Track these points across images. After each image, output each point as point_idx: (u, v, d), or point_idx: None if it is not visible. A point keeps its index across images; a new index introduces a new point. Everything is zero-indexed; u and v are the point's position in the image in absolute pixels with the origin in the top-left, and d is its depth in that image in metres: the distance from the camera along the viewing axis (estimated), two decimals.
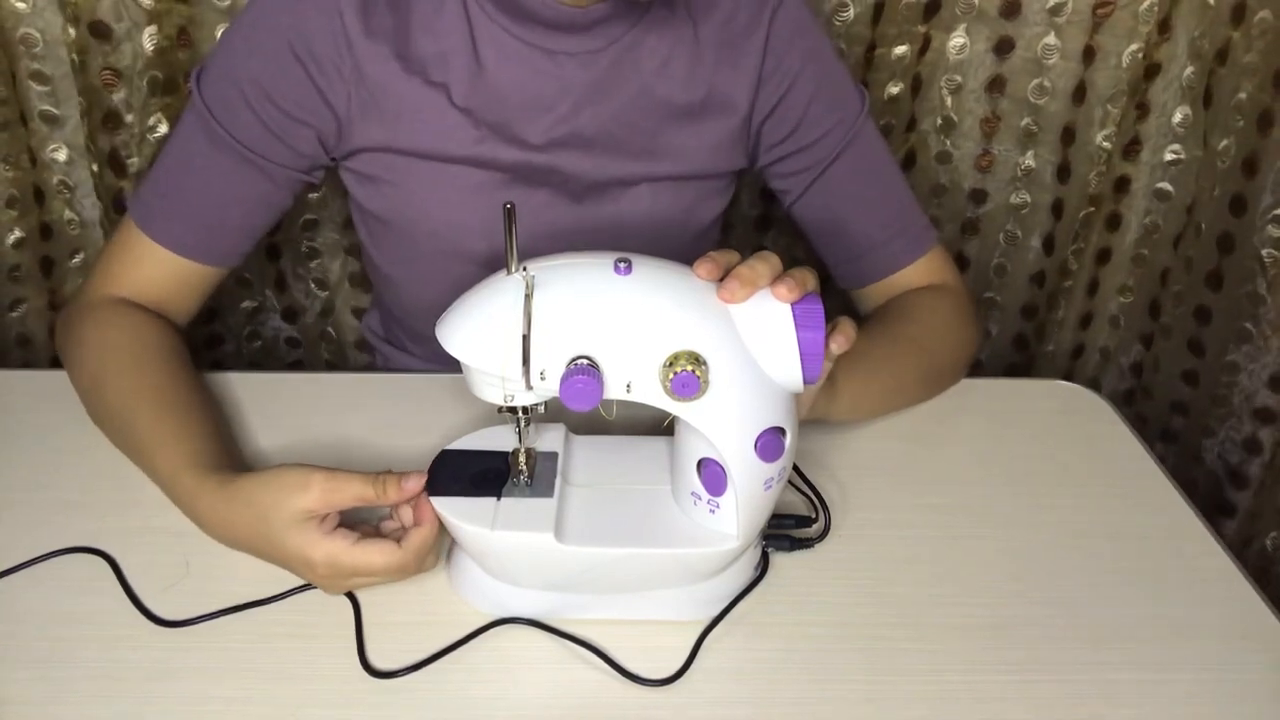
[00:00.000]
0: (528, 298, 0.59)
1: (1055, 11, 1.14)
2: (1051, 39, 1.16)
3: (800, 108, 0.90)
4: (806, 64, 0.89)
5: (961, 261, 1.33)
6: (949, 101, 1.21)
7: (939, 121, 1.23)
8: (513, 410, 0.65)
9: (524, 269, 0.60)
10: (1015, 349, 1.39)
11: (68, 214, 1.18)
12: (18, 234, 1.15)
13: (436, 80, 0.82)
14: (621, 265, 0.60)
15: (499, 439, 0.71)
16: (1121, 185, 1.26)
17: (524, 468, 0.68)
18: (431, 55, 0.82)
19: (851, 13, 1.13)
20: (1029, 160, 1.24)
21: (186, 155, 0.84)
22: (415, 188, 0.86)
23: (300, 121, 0.82)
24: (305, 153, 0.84)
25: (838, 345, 0.67)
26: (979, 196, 1.28)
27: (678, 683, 0.64)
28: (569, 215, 0.87)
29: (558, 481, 0.68)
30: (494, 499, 0.66)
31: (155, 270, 0.85)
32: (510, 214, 0.58)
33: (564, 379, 0.59)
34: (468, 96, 0.83)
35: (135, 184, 1.15)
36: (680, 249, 0.89)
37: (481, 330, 0.61)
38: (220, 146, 0.82)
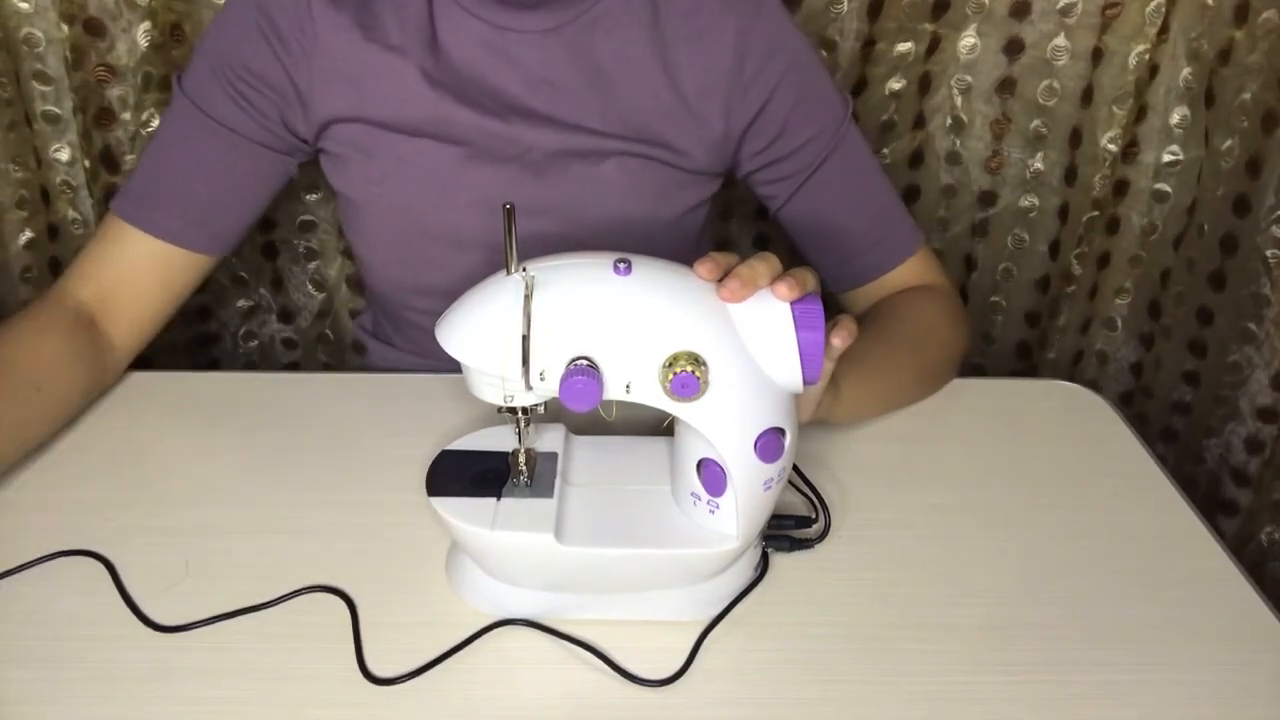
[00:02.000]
0: (527, 298, 0.59)
1: (1065, 12, 1.14)
2: (1061, 40, 1.16)
3: (782, 116, 0.90)
4: (787, 72, 0.89)
5: (969, 264, 1.33)
6: (959, 101, 1.21)
7: (948, 121, 1.23)
8: (512, 410, 0.65)
9: (523, 269, 0.60)
10: (1018, 356, 1.38)
11: (71, 214, 1.18)
12: (28, 234, 1.16)
13: (395, 44, 0.85)
14: (621, 266, 0.60)
15: (499, 439, 0.71)
16: (1120, 188, 1.26)
17: (524, 468, 0.68)
18: (392, 23, 0.85)
19: (845, 6, 1.13)
20: (1038, 163, 1.24)
21: (166, 144, 0.87)
22: (380, 163, 0.87)
23: (267, 96, 0.85)
24: (275, 129, 0.87)
25: (840, 340, 0.67)
26: (988, 199, 1.28)
27: (678, 684, 0.64)
28: (537, 192, 0.88)
29: (557, 482, 0.68)
30: (494, 499, 0.66)
31: (136, 262, 0.86)
32: (510, 214, 0.58)
33: (563, 379, 0.59)
34: (423, 61, 0.85)
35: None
36: (658, 237, 0.90)
37: (481, 331, 0.61)
38: (198, 127, 0.85)
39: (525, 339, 0.59)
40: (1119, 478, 0.83)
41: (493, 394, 0.63)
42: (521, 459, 0.68)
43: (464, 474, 0.68)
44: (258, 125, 0.86)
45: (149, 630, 0.66)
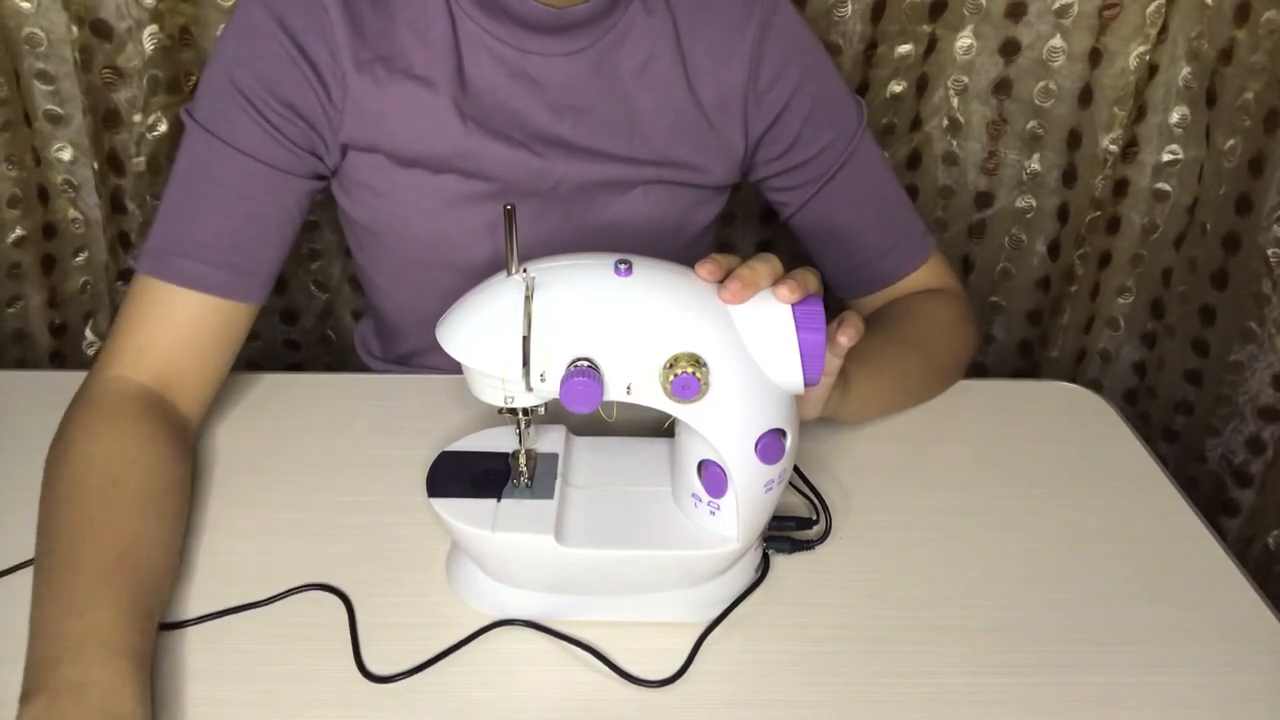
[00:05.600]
0: (528, 299, 0.59)
1: (1061, 13, 1.14)
2: (1057, 41, 1.15)
3: (796, 125, 0.88)
4: (803, 81, 0.88)
5: (967, 265, 1.33)
6: (955, 102, 1.21)
7: (945, 122, 1.23)
8: (513, 411, 0.65)
9: (524, 270, 0.60)
10: (1020, 355, 1.39)
11: (72, 213, 1.18)
12: (19, 232, 1.16)
13: (421, 74, 0.81)
14: (622, 267, 0.60)
15: (500, 440, 0.71)
16: (1120, 188, 1.26)
17: (524, 469, 0.68)
18: (417, 53, 0.81)
19: (849, 9, 1.12)
20: (1034, 164, 1.24)
21: (190, 189, 0.79)
22: (403, 197, 0.84)
23: (298, 125, 0.80)
24: (305, 159, 0.81)
25: (846, 338, 0.67)
26: (984, 200, 1.28)
27: (678, 685, 0.64)
28: (562, 223, 0.86)
29: (558, 483, 0.68)
30: (494, 500, 0.66)
31: (174, 323, 0.77)
32: (510, 215, 0.58)
33: (564, 381, 0.59)
34: (453, 93, 0.82)
35: (135, 184, 1.16)
36: (675, 254, 0.90)
37: (481, 332, 0.61)
38: (226, 163, 0.78)
39: (526, 340, 0.59)
40: (1120, 479, 0.83)
41: (493, 395, 0.63)
42: (522, 460, 0.68)
43: (464, 475, 0.68)
44: (290, 155, 0.80)
45: None
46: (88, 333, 1.27)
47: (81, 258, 1.21)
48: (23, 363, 1.25)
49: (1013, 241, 1.30)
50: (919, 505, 0.79)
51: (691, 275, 0.62)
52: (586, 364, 0.59)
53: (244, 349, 1.15)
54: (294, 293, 1.29)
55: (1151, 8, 1.12)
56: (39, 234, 1.17)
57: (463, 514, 0.65)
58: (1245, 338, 1.16)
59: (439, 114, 0.82)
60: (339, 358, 1.34)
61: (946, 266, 0.96)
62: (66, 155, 1.14)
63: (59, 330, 1.26)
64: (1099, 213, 1.24)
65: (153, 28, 1.05)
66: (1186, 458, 1.27)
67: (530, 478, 0.68)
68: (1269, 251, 1.12)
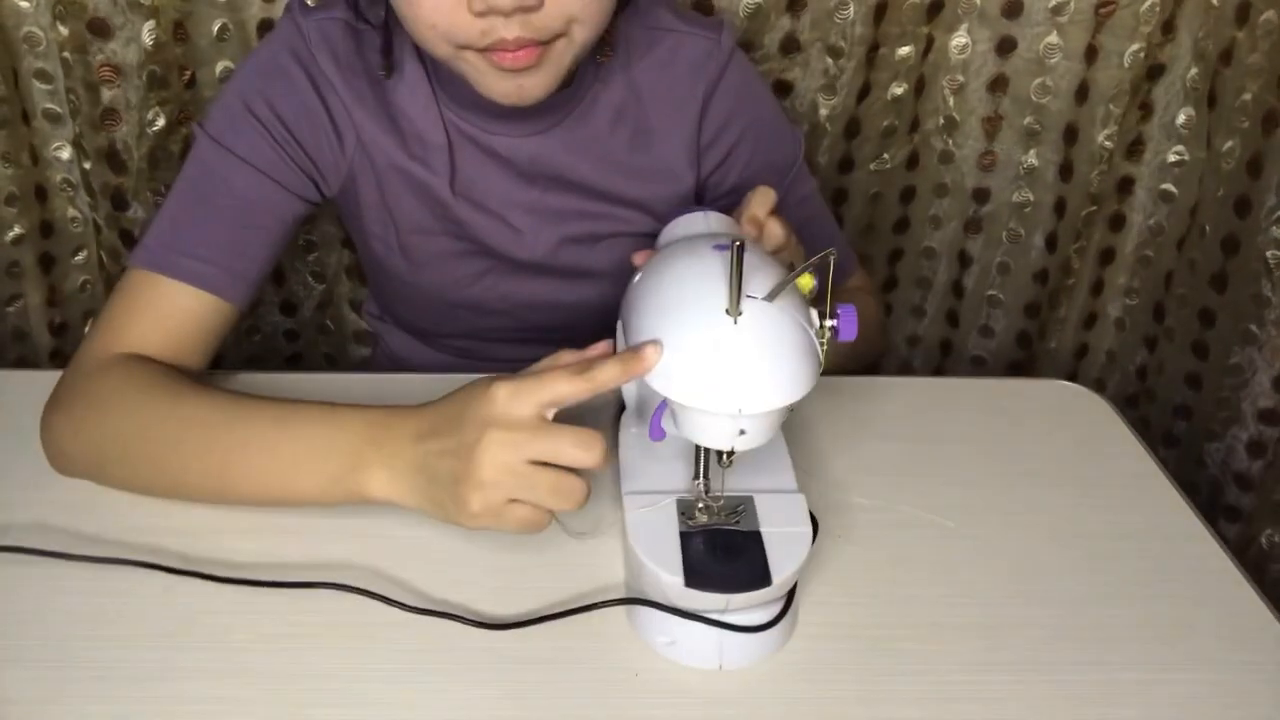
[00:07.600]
0: (766, 319, 0.58)
1: (1057, 11, 1.14)
2: (1054, 38, 1.16)
3: (738, 171, 0.93)
4: (745, 132, 0.92)
5: (965, 259, 1.34)
6: (951, 101, 1.21)
7: (941, 121, 1.23)
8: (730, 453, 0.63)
9: (743, 300, 0.58)
10: (1018, 346, 1.39)
11: (70, 211, 1.18)
12: (17, 230, 1.16)
13: (418, 154, 0.87)
14: (720, 246, 0.62)
15: (662, 515, 0.67)
16: (1125, 186, 1.26)
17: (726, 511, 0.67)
18: (411, 132, 0.86)
19: (851, 11, 1.13)
20: (1031, 159, 1.25)
21: (195, 193, 0.83)
22: (405, 252, 0.92)
23: (308, 159, 0.85)
24: (306, 186, 0.86)
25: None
26: (982, 195, 1.28)
27: (673, 682, 0.64)
28: (539, 276, 0.93)
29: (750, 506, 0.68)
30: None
31: (168, 313, 0.80)
32: (737, 251, 0.56)
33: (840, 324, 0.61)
34: (445, 173, 0.88)
35: (135, 181, 1.16)
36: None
37: (779, 370, 0.59)
38: (234, 174, 0.82)
39: (826, 341, 0.60)
40: (1119, 478, 0.83)
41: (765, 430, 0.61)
42: (720, 504, 0.67)
43: (717, 563, 0.64)
44: (294, 175, 0.85)
45: (150, 629, 0.65)
46: (87, 332, 1.27)
47: (80, 256, 1.21)
48: (22, 362, 1.25)
49: (1011, 235, 1.31)
50: (918, 503, 0.79)
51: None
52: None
53: (245, 341, 1.16)
54: (292, 284, 1.30)
55: (1145, 6, 1.13)
56: (37, 232, 1.17)
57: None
58: (1245, 340, 1.16)
59: (432, 192, 0.88)
60: (338, 347, 1.35)
61: (867, 282, 1.06)
62: (65, 154, 1.14)
63: (59, 329, 1.26)
64: (1095, 208, 1.25)
65: (150, 24, 1.05)
66: (1186, 463, 1.27)
67: (737, 514, 0.67)
68: (1268, 253, 1.12)
